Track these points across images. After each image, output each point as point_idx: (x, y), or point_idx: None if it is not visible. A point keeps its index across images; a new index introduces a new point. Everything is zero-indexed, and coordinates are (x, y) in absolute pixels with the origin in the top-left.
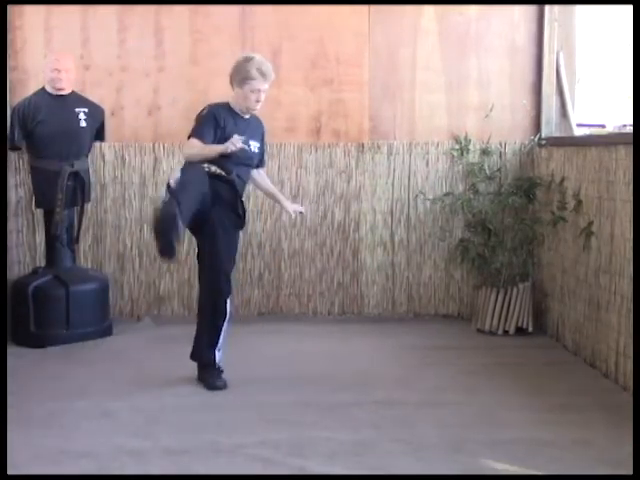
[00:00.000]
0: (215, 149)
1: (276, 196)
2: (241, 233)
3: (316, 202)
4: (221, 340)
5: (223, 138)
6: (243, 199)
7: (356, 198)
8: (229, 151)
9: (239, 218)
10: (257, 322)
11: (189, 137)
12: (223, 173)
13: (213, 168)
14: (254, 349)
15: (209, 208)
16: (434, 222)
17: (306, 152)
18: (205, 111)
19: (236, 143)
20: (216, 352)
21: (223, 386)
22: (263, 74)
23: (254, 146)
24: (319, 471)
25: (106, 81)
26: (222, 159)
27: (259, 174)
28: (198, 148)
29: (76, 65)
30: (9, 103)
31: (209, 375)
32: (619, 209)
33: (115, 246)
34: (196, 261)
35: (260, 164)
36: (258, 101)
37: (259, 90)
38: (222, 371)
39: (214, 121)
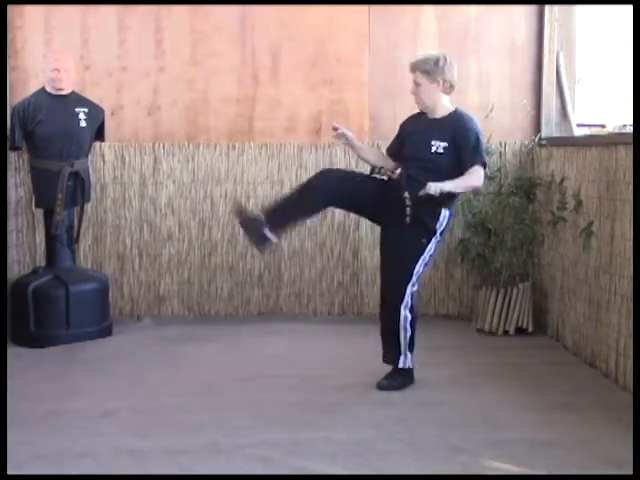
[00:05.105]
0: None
1: None
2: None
3: None
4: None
5: (405, 140)
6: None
7: None
8: None
9: (405, 217)
10: (257, 322)
11: None
12: (392, 174)
13: (379, 170)
14: (254, 349)
15: (374, 209)
16: None
17: (306, 152)
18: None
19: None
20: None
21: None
22: (411, 65)
23: (437, 146)
24: (319, 471)
25: (106, 81)
26: (404, 167)
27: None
28: None
29: (76, 65)
30: (9, 103)
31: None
32: (619, 209)
33: (115, 246)
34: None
35: (464, 166)
36: (413, 93)
37: (412, 82)
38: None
39: (398, 133)
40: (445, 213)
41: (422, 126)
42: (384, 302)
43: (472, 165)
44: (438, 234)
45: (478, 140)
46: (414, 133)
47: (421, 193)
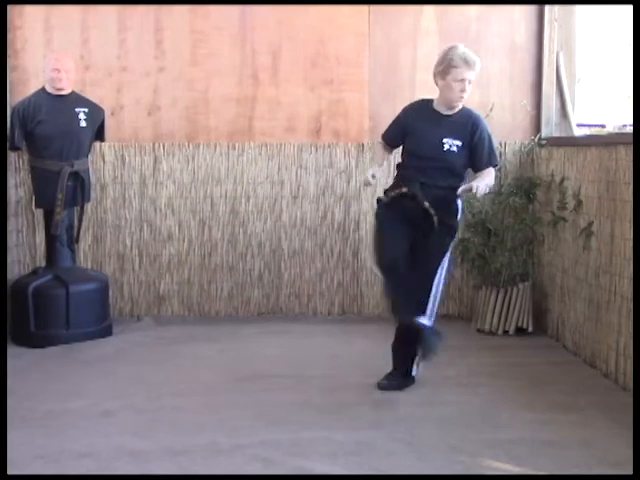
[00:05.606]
0: (375, 160)
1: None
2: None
3: (316, 202)
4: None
5: (410, 135)
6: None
7: (356, 198)
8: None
9: (430, 222)
10: (257, 322)
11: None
12: (403, 191)
13: (395, 191)
14: (254, 349)
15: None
16: None
17: (306, 152)
18: (401, 110)
19: (368, 177)
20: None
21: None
22: (466, 61)
23: (450, 144)
24: (319, 471)
25: (106, 81)
26: (411, 165)
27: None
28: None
29: (76, 65)
30: (9, 103)
31: None
32: (619, 209)
33: (115, 246)
34: None
35: (478, 167)
36: (463, 91)
37: (463, 79)
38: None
39: (399, 121)
40: (459, 205)
41: (431, 121)
42: (407, 312)
43: (489, 166)
44: (457, 227)
45: (492, 141)
46: (421, 129)
47: (460, 191)
